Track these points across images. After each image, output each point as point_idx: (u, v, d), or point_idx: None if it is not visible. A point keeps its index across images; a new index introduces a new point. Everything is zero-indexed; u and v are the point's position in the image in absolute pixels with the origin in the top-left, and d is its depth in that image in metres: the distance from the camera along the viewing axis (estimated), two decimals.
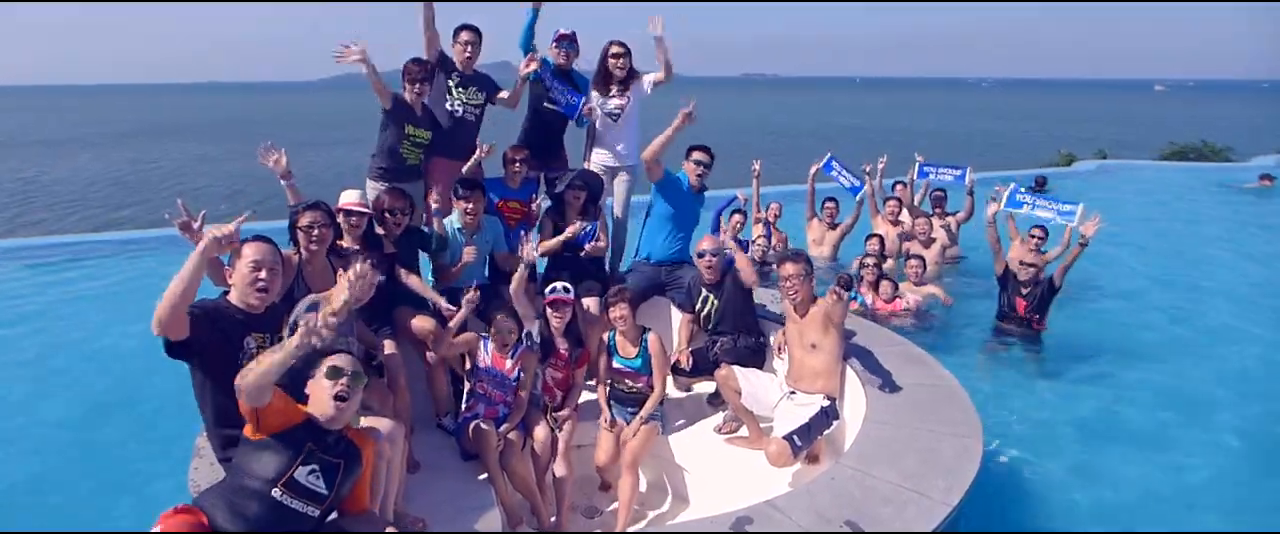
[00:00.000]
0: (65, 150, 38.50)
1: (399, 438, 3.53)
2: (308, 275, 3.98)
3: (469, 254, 4.80)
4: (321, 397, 2.90)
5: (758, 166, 8.71)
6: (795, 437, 4.15)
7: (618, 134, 5.92)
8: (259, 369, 2.60)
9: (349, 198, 4.44)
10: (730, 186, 9.92)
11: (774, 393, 4.52)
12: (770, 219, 8.72)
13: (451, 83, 5.64)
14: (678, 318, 5.58)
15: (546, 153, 5.85)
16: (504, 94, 5.80)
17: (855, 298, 6.83)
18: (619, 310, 4.77)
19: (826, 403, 4.33)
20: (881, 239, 8.23)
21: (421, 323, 4.61)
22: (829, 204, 8.81)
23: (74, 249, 10.07)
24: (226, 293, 3.21)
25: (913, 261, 7.51)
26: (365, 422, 3.49)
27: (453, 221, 5.04)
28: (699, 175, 5.55)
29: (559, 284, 4.79)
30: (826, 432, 4.30)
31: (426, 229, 5.04)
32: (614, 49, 5.82)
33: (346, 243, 4.44)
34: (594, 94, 5.90)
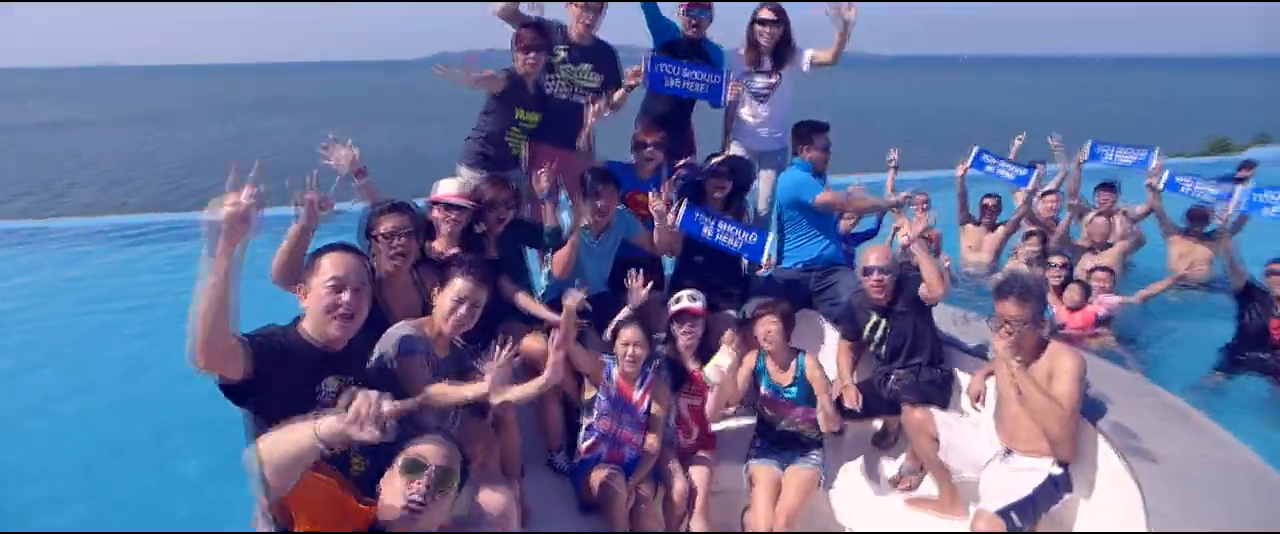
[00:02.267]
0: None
1: (513, 515, 2.74)
2: (387, 296, 3.25)
3: (571, 298, 3.56)
4: (392, 495, 2.09)
5: (895, 156, 7.36)
6: (1014, 514, 3.13)
7: (764, 116, 4.96)
8: (273, 451, 1.82)
9: (448, 188, 3.67)
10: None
11: (983, 447, 3.49)
12: (919, 211, 7.46)
13: (556, 58, 4.66)
14: (830, 338, 4.59)
15: (669, 130, 4.91)
16: (620, 93, 4.74)
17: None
18: (767, 324, 3.85)
19: (1057, 471, 3.27)
20: (1043, 235, 6.95)
21: (533, 343, 3.82)
22: (988, 201, 7.50)
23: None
24: (298, 320, 2.45)
25: (1099, 274, 6.20)
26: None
27: (566, 219, 4.19)
28: (823, 160, 4.64)
29: (685, 293, 3.89)
30: (1053, 508, 3.25)
31: (534, 221, 4.23)
32: (764, 14, 4.85)
33: (440, 246, 3.68)
34: (736, 72, 4.90)
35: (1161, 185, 6.77)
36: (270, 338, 2.33)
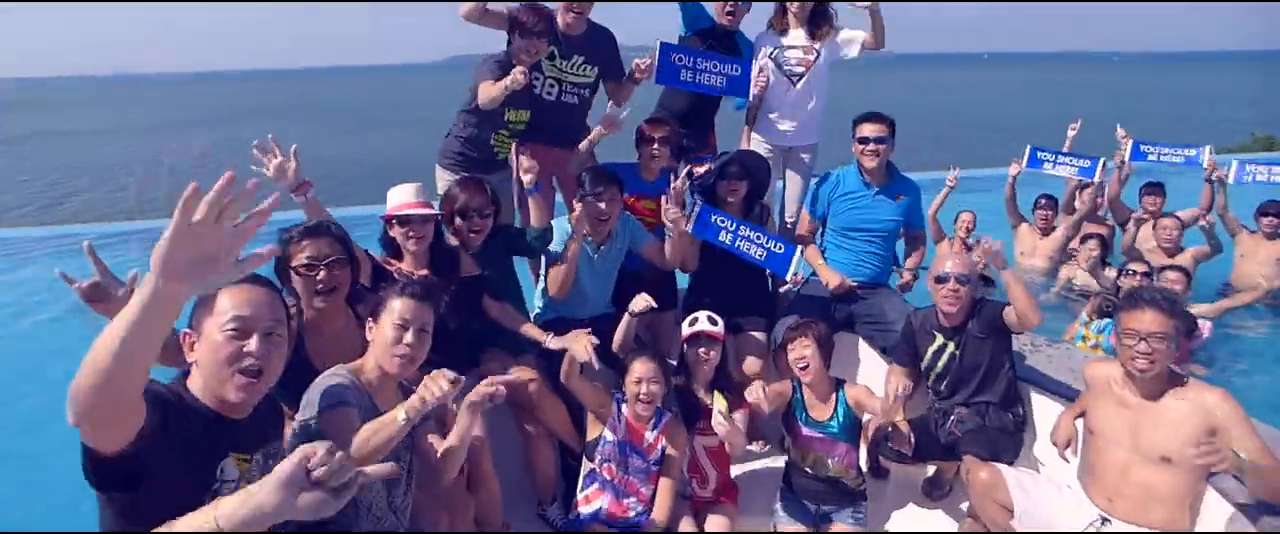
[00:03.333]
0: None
1: None
2: (314, 344, 2.57)
3: (647, 306, 3.14)
4: None
5: (953, 178, 6.39)
6: None
7: (796, 101, 4.29)
8: None
9: (402, 197, 3.04)
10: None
11: (1070, 516, 2.79)
12: (962, 235, 6.67)
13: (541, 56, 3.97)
14: (870, 367, 3.93)
15: (689, 129, 4.29)
16: (626, 89, 4.10)
17: (1105, 334, 4.89)
18: (802, 349, 3.20)
19: None
20: (1103, 238, 6.21)
21: (519, 374, 3.20)
22: (1043, 202, 6.76)
23: None
24: (184, 376, 1.83)
25: (1172, 275, 5.39)
26: None
27: (565, 226, 3.55)
28: (871, 157, 3.88)
29: (702, 314, 3.26)
30: None
31: (522, 227, 3.61)
32: None
33: (409, 266, 3.06)
34: (766, 50, 4.26)
35: (1232, 178, 6.02)
36: (157, 398, 1.71)
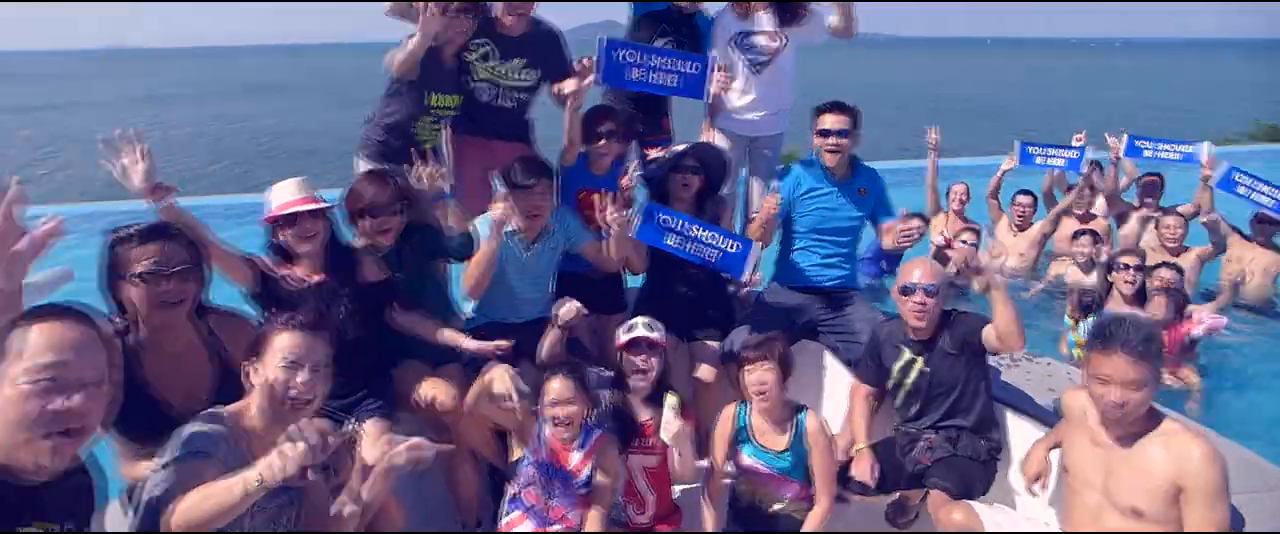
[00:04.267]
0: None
1: None
2: (151, 366, 2.22)
3: (575, 313, 2.88)
4: None
5: (934, 137, 6.25)
6: None
7: (763, 88, 3.93)
8: None
9: (287, 193, 2.67)
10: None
11: None
12: (956, 207, 6.40)
13: (473, 57, 3.58)
14: (834, 380, 3.60)
15: (641, 113, 3.93)
16: (570, 86, 3.52)
17: None
18: (761, 372, 2.86)
19: None
20: (1096, 234, 5.90)
21: (433, 389, 2.88)
22: (1021, 199, 6.40)
23: None
24: None
25: (1166, 273, 5.05)
26: None
27: (490, 221, 3.19)
28: (832, 152, 3.53)
29: (640, 319, 2.91)
30: None
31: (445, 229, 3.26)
32: None
33: (305, 272, 2.70)
34: (727, 35, 3.87)
35: (1215, 181, 5.68)
36: None
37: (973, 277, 2.92)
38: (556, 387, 2.66)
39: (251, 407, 1.96)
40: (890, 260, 5.73)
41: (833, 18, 3.82)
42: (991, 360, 3.20)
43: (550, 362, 2.90)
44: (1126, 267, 4.65)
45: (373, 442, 2.66)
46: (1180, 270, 5.14)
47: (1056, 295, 5.93)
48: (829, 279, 3.64)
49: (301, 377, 1.94)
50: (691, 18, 3.86)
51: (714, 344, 3.50)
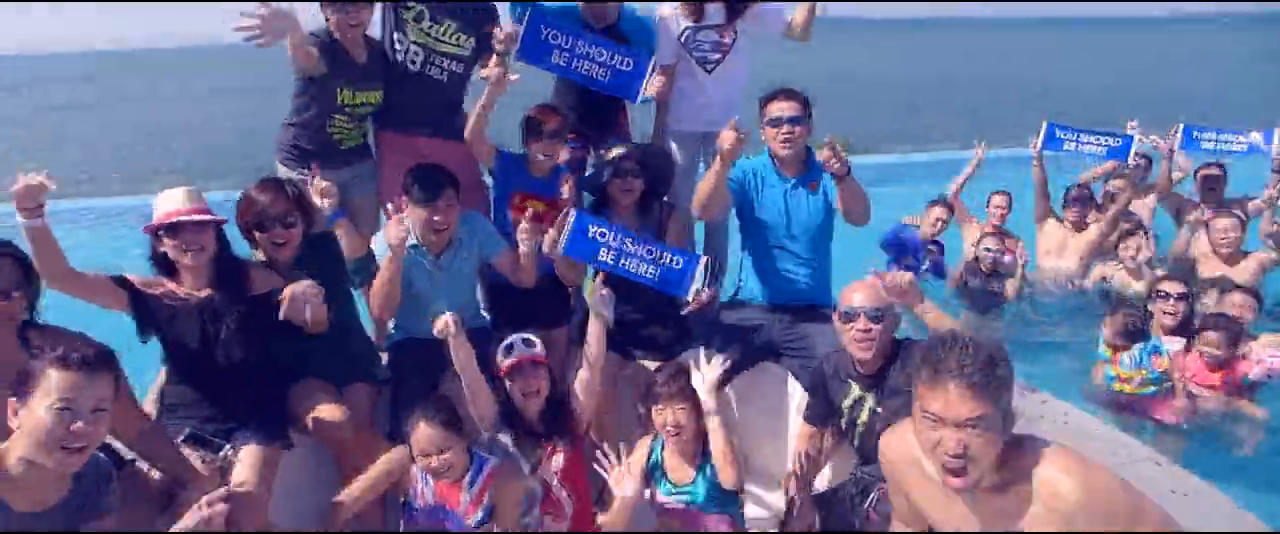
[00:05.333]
0: None
1: None
2: None
3: (446, 326, 2.55)
4: None
5: (980, 154, 5.61)
6: None
7: (715, 87, 3.60)
8: None
9: (171, 203, 2.51)
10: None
11: None
12: (997, 221, 5.65)
13: (407, 14, 3.27)
14: (797, 407, 3.23)
15: (593, 117, 3.63)
16: (494, 66, 3.14)
17: (1145, 363, 3.76)
18: (674, 412, 2.58)
19: None
20: (1145, 230, 5.21)
21: (327, 411, 2.71)
22: (1077, 193, 5.63)
23: None
24: None
25: (1238, 298, 4.19)
26: None
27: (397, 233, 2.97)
28: (785, 142, 3.13)
29: (517, 337, 2.64)
30: None
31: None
32: None
33: (190, 285, 2.56)
34: (674, 31, 3.55)
35: None
36: None
37: (913, 303, 2.55)
38: (421, 436, 2.43)
39: (14, 448, 1.80)
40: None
41: (796, 15, 3.46)
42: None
43: (471, 381, 2.66)
44: (1167, 295, 3.88)
45: (250, 469, 2.54)
46: (1257, 295, 4.35)
47: (1101, 309, 5.22)
48: (792, 292, 3.26)
49: (77, 424, 1.76)
50: (614, 30, 3.50)
51: (649, 365, 3.18)
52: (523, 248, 2.95)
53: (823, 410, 2.80)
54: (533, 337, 2.65)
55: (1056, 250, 5.65)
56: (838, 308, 2.64)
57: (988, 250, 5.28)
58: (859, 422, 2.67)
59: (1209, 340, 3.73)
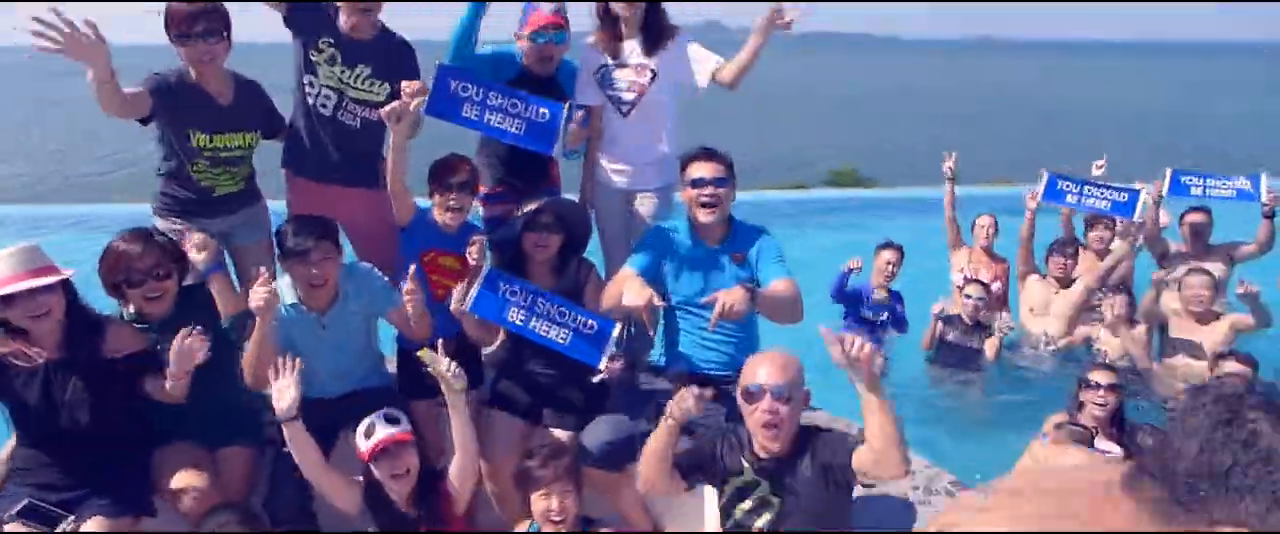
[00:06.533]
0: None
1: None
2: None
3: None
4: None
5: (951, 163, 5.43)
6: None
7: (634, 133, 3.38)
8: None
9: (4, 267, 2.32)
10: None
11: None
12: (984, 242, 5.47)
13: (318, 56, 3.07)
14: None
15: (522, 168, 3.44)
16: (392, 106, 2.86)
17: None
18: (558, 499, 2.38)
19: None
20: (1130, 290, 4.92)
21: (186, 479, 2.53)
22: (1061, 246, 5.34)
23: None
24: None
25: (1229, 364, 3.90)
26: None
27: (283, 291, 2.79)
28: (707, 206, 2.92)
29: (376, 417, 2.43)
30: None
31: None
32: None
33: (35, 349, 2.40)
34: (590, 70, 3.36)
35: None
36: None
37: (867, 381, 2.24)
38: None
39: None
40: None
41: (722, 67, 3.26)
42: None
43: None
44: (1097, 385, 3.43)
45: None
46: (1253, 363, 4.02)
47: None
48: (710, 364, 3.03)
49: None
50: (552, 80, 3.33)
51: (564, 435, 2.97)
52: (408, 308, 2.76)
53: (699, 464, 2.49)
54: (397, 411, 2.45)
55: (1041, 308, 5.34)
56: (739, 384, 2.40)
57: (969, 297, 5.00)
58: (747, 510, 2.40)
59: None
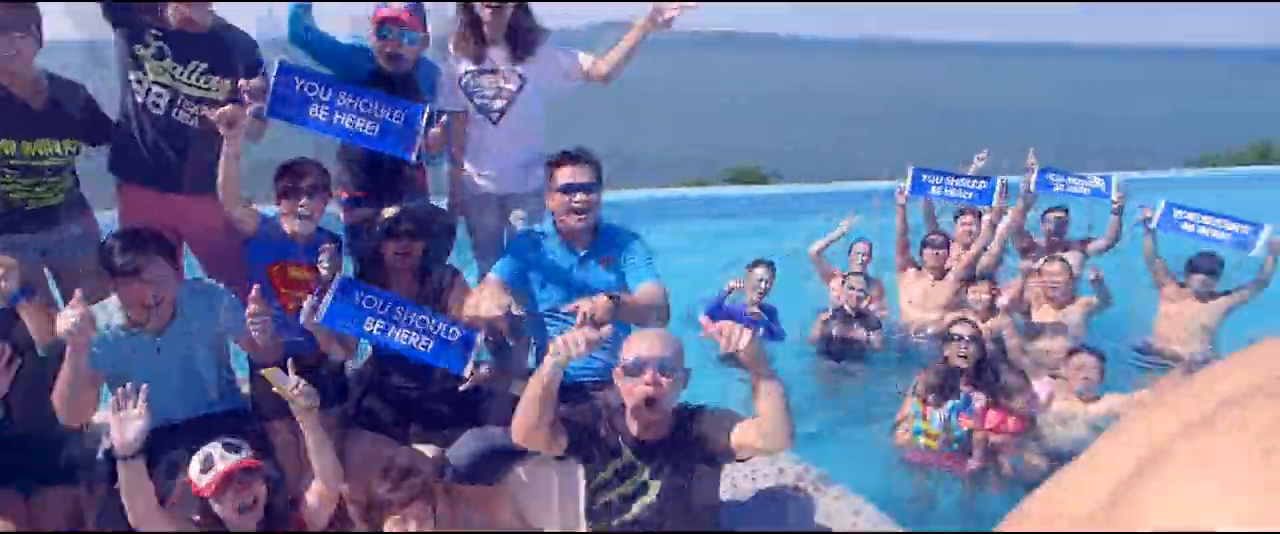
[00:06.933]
0: None
1: None
2: None
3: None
4: None
5: (847, 224, 5.60)
6: None
7: (504, 139, 3.30)
8: None
9: None
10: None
11: None
12: (857, 266, 5.57)
13: (144, 51, 2.81)
14: None
15: (384, 172, 3.27)
16: (228, 111, 2.64)
17: (952, 422, 3.77)
18: (415, 522, 2.26)
19: None
20: (994, 279, 5.22)
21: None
22: (934, 239, 5.61)
23: None
24: None
25: (1084, 361, 4.17)
26: None
27: (110, 312, 2.56)
28: (578, 212, 2.85)
29: (213, 448, 2.23)
30: None
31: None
32: None
33: None
34: (454, 75, 3.24)
35: (1155, 223, 5.19)
36: None
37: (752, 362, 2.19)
38: None
39: None
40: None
41: (594, 62, 3.21)
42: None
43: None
44: (960, 338, 3.80)
45: None
46: (1100, 354, 4.33)
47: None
48: (583, 373, 2.96)
49: None
50: (409, 78, 3.16)
51: (430, 451, 2.85)
52: (253, 333, 2.56)
53: (575, 439, 2.33)
54: (237, 439, 2.27)
55: (919, 300, 5.56)
56: (619, 363, 2.32)
57: (852, 288, 5.14)
58: (628, 497, 2.34)
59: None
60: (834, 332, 5.18)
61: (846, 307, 5.15)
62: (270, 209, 2.96)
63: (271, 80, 2.68)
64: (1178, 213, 5.22)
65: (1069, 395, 4.24)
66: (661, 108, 25.49)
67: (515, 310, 2.68)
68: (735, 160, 14.99)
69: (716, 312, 4.82)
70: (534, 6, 3.25)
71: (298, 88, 2.73)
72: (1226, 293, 5.15)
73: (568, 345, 2.19)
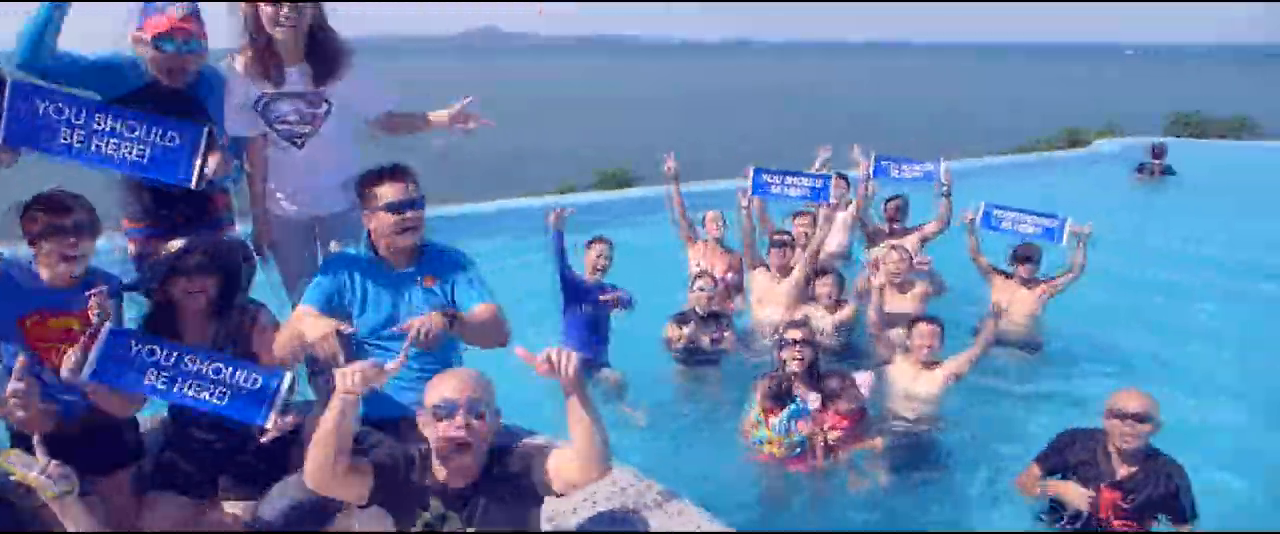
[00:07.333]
0: None
1: None
2: None
3: None
4: None
5: (672, 164, 5.92)
6: None
7: (311, 162, 3.04)
8: None
9: None
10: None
11: None
12: (716, 234, 5.98)
13: None
14: None
15: (174, 198, 2.90)
16: None
17: (791, 428, 3.82)
18: None
19: None
20: (840, 273, 5.53)
21: None
22: (777, 237, 5.74)
23: None
24: None
25: (923, 329, 4.47)
26: None
27: None
28: (407, 231, 2.66)
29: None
30: None
31: None
32: None
33: None
34: (244, 97, 2.94)
35: (978, 223, 5.69)
36: None
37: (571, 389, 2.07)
38: None
39: None
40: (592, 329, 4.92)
41: (386, 117, 3.15)
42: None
43: None
44: (792, 342, 3.90)
45: None
46: (938, 322, 4.59)
47: None
48: (415, 404, 2.77)
49: None
50: (188, 93, 2.85)
51: (237, 509, 2.58)
52: (17, 391, 2.20)
53: (380, 482, 2.15)
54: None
55: (767, 298, 5.67)
56: (424, 405, 2.15)
57: (702, 290, 5.14)
58: None
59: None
60: (687, 332, 5.16)
61: (697, 308, 5.16)
62: (6, 250, 2.56)
63: (3, 103, 2.30)
64: (997, 212, 5.72)
65: (915, 364, 4.49)
66: (537, 110, 25.24)
67: (346, 329, 2.44)
68: (607, 163, 14.88)
69: (570, 288, 4.84)
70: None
71: (39, 109, 2.36)
72: (1050, 278, 5.62)
73: (347, 379, 2.01)
